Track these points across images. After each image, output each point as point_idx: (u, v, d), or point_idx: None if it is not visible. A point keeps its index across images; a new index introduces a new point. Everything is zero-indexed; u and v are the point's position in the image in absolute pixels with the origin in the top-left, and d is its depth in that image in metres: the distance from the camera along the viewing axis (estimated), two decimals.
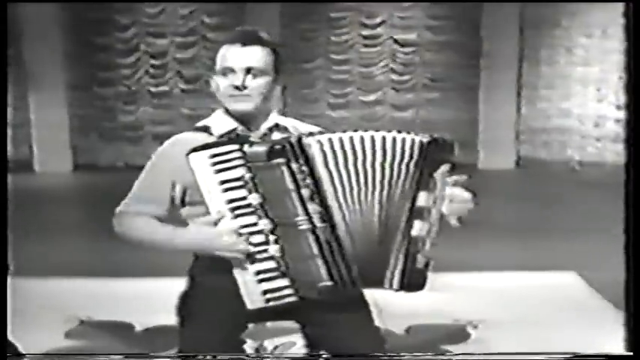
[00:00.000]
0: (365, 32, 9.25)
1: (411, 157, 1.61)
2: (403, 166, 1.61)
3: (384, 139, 1.61)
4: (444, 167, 1.62)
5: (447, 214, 1.64)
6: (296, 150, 1.60)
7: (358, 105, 9.38)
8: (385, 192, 1.63)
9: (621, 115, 7.80)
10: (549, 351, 2.52)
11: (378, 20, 9.21)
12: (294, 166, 1.60)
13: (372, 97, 9.38)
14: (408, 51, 9.25)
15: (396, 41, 9.23)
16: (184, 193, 1.78)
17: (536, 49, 8.86)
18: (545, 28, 8.74)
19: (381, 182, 1.62)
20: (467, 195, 1.66)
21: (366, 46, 9.27)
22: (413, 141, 1.61)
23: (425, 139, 1.61)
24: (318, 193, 1.61)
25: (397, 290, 1.65)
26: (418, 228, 1.62)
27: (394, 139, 1.61)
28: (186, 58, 9.12)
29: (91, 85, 9.25)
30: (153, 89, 9.30)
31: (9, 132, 8.55)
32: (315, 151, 1.61)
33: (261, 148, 1.61)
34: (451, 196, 1.64)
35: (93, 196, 7.35)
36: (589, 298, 3.52)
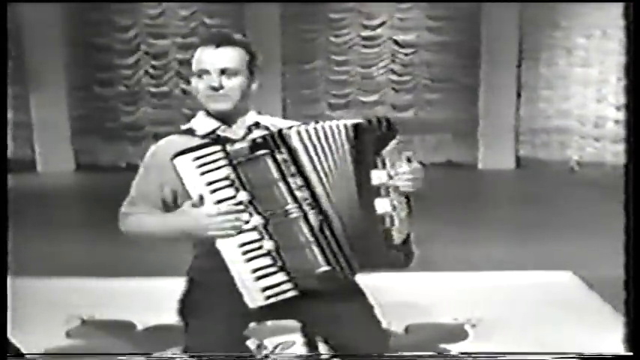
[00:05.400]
0: (365, 33, 9.25)
1: (349, 140, 1.67)
2: (352, 150, 1.67)
3: (345, 127, 1.68)
4: (391, 144, 1.68)
5: (400, 186, 1.69)
6: (277, 141, 1.66)
7: (358, 105, 9.39)
8: (356, 176, 1.68)
9: (621, 115, 7.80)
10: (548, 351, 2.53)
11: (377, 21, 9.22)
12: (277, 156, 1.65)
13: (372, 98, 9.39)
14: (407, 52, 9.25)
15: (395, 42, 9.24)
16: (175, 195, 1.81)
17: (536, 50, 8.86)
18: (544, 28, 8.75)
19: (351, 167, 1.68)
20: (414, 166, 1.72)
21: (365, 47, 9.27)
22: (345, 126, 1.68)
23: (349, 122, 1.69)
24: (304, 180, 1.64)
25: (382, 269, 1.70)
26: (380, 206, 1.67)
27: (344, 127, 1.68)
28: (186, 58, 9.08)
29: (92, 85, 9.26)
30: (153, 90, 9.32)
31: (10, 132, 8.57)
32: (295, 141, 1.66)
33: (244, 144, 1.65)
34: (402, 170, 1.69)
35: (94, 196, 7.36)
36: (587, 298, 3.52)
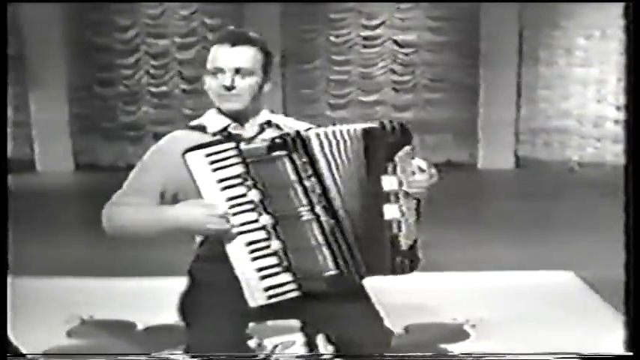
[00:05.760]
0: (365, 33, 9.25)
1: (362, 145, 1.67)
2: (364, 155, 1.67)
3: (359, 131, 1.67)
4: (404, 149, 1.67)
5: (411, 192, 1.69)
6: (297, 142, 1.64)
7: (358, 105, 9.39)
8: (367, 180, 1.68)
9: (621, 115, 7.80)
10: (548, 351, 2.53)
11: (377, 21, 9.22)
12: (295, 157, 1.63)
13: (372, 98, 9.39)
14: (408, 52, 9.25)
15: (396, 42, 9.23)
16: (176, 191, 1.79)
17: (535, 50, 8.86)
18: (544, 28, 8.75)
19: (364, 171, 1.67)
20: (431, 172, 1.74)
21: (366, 46, 9.27)
22: (359, 130, 1.67)
23: (363, 127, 1.67)
24: (319, 183, 1.64)
25: (387, 274, 1.69)
26: (389, 212, 1.67)
27: (358, 132, 1.67)
28: (186, 58, 9.13)
29: (92, 85, 9.26)
30: (153, 89, 9.32)
31: (10, 132, 8.57)
32: (314, 144, 1.65)
33: (261, 144, 1.64)
34: (416, 179, 1.70)
35: (94, 196, 7.33)
36: (588, 298, 3.52)
